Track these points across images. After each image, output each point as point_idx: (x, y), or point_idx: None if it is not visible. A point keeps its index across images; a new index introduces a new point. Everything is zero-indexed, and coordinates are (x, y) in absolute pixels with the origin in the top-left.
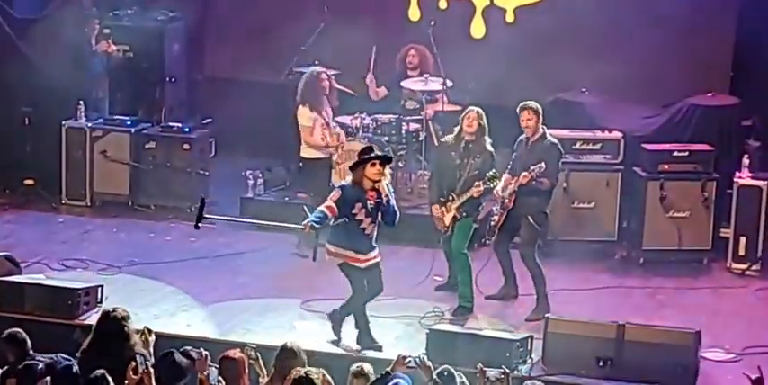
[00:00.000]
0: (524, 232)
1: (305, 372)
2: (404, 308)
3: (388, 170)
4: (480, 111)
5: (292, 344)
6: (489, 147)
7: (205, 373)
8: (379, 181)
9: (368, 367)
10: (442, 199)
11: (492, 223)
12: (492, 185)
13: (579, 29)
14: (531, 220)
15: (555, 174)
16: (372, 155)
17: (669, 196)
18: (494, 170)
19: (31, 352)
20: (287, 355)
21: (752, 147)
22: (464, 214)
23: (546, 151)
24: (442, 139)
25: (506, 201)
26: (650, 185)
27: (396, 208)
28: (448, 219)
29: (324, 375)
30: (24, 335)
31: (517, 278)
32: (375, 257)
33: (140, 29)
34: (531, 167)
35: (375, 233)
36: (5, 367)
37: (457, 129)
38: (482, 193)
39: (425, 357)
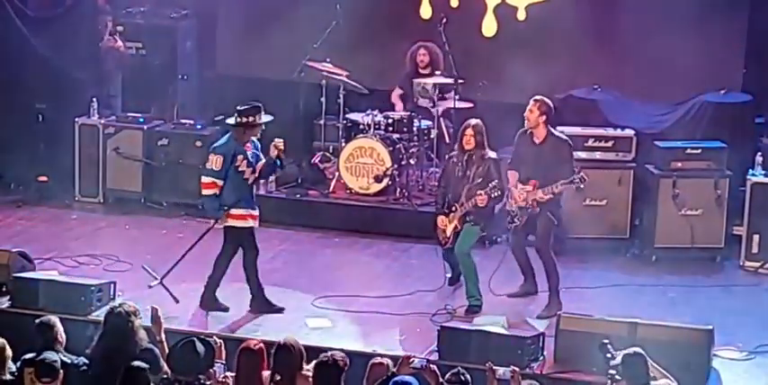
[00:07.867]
0: (540, 227)
1: (330, 355)
2: (414, 304)
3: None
4: (478, 124)
5: (288, 339)
6: (491, 155)
7: (213, 369)
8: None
9: (387, 361)
10: (446, 210)
11: (514, 226)
12: (494, 195)
13: (591, 26)
14: (551, 215)
15: (570, 169)
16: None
17: (682, 194)
18: (496, 181)
19: (57, 343)
20: (283, 352)
21: (765, 144)
22: (471, 222)
23: (557, 149)
24: (451, 154)
25: (531, 207)
26: (663, 183)
27: None
28: (449, 230)
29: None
30: (54, 325)
31: (536, 274)
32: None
33: (153, 26)
34: (563, 181)
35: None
36: (29, 355)
37: (458, 145)
38: (486, 203)
39: (430, 362)
